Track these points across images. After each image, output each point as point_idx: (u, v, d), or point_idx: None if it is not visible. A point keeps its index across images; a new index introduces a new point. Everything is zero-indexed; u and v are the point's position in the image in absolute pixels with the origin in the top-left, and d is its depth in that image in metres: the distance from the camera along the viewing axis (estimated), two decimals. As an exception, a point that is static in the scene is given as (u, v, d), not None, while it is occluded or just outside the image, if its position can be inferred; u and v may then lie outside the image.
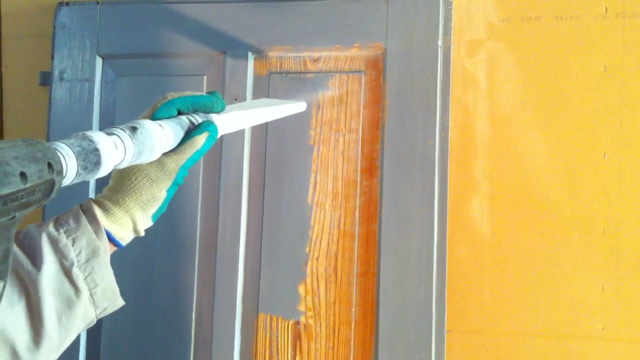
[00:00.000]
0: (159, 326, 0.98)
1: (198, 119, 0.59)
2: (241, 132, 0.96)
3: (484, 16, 0.94)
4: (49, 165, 0.41)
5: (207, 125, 0.59)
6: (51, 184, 0.41)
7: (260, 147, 0.97)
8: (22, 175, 0.38)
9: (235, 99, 0.97)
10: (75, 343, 0.99)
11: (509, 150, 0.93)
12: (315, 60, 0.96)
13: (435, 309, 0.88)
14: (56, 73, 1.03)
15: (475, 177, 0.94)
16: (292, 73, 0.97)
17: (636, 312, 0.89)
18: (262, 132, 0.97)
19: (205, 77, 0.99)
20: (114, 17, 1.02)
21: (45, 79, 1.07)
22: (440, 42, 0.91)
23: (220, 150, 0.97)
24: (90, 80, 1.02)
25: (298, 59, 0.97)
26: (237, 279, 0.95)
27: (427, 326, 0.88)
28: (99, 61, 1.02)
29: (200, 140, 0.58)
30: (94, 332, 1.00)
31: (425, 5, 0.91)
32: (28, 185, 0.38)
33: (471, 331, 0.93)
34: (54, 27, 1.04)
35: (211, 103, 0.61)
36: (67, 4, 1.04)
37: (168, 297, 0.98)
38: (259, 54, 0.98)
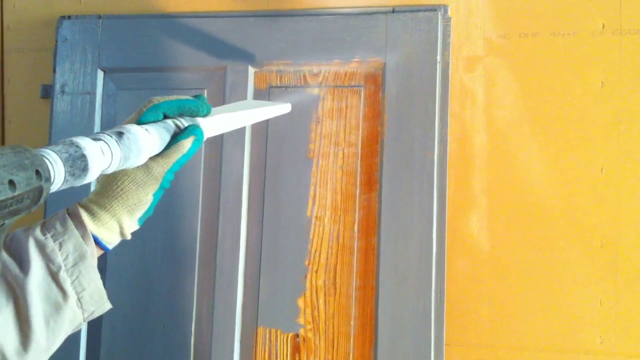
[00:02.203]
0: (158, 338, 0.98)
1: (184, 122, 0.59)
2: (241, 145, 0.97)
3: (482, 32, 0.95)
4: (37, 172, 0.41)
5: (193, 129, 0.59)
6: (39, 191, 0.41)
7: (260, 160, 0.98)
8: (11, 183, 0.38)
9: (236, 113, 0.97)
10: (75, 354, 0.99)
11: (507, 164, 0.94)
12: (315, 75, 0.97)
13: (433, 323, 0.89)
14: (58, 86, 1.04)
15: (474, 192, 0.95)
16: (292, 87, 0.98)
17: (634, 325, 0.89)
18: (261, 145, 0.98)
19: (205, 91, 1.00)
20: (116, 31, 1.03)
21: (47, 92, 1.08)
22: (438, 58, 0.92)
23: (221, 162, 0.98)
24: (92, 94, 1.03)
25: (298, 73, 0.98)
26: (236, 291, 0.96)
27: (425, 340, 0.88)
28: (100, 74, 1.03)
29: (187, 144, 0.58)
30: (93, 344, 1.00)
31: (424, 21, 0.92)
32: (17, 193, 0.39)
33: (470, 345, 0.93)
34: (56, 41, 1.05)
35: (197, 107, 0.60)
36: (69, 17, 1.05)
37: (167, 309, 0.99)
38: (260, 68, 0.99)
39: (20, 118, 1.12)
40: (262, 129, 0.98)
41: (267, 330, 0.95)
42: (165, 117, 0.59)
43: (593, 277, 0.91)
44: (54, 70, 1.04)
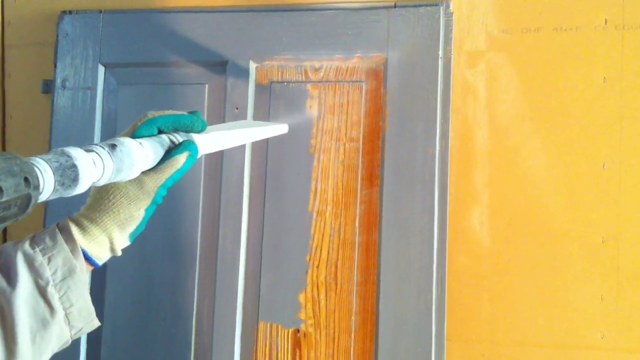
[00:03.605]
0: (159, 334, 0.98)
1: (179, 138, 0.59)
2: (242, 141, 0.97)
3: (484, 27, 0.95)
4: (26, 179, 0.41)
5: (188, 145, 0.59)
6: (27, 199, 0.41)
7: (261, 155, 0.97)
8: None
9: (237, 108, 0.97)
10: (76, 352, 0.99)
11: (509, 160, 0.94)
12: (317, 70, 0.97)
13: (435, 318, 0.89)
14: (59, 81, 1.04)
15: (475, 187, 0.95)
16: (293, 82, 0.98)
17: (635, 321, 0.89)
18: (263, 140, 0.97)
19: (206, 86, 1.00)
20: (117, 26, 1.02)
21: (48, 87, 1.08)
22: (440, 53, 0.92)
23: (222, 158, 0.97)
24: (93, 89, 1.03)
25: (299, 68, 0.98)
26: (237, 286, 0.96)
27: (426, 335, 0.88)
28: (101, 69, 1.03)
29: (181, 159, 0.58)
30: (95, 341, 1.00)
31: (426, 16, 0.92)
32: (4, 199, 0.39)
33: (471, 340, 0.93)
34: (57, 36, 1.04)
35: (192, 122, 0.60)
36: (70, 12, 1.05)
37: (168, 305, 0.99)
38: (261, 63, 0.98)
39: (21, 113, 1.12)
40: (263, 124, 0.97)
41: (268, 325, 0.96)
42: (160, 132, 0.59)
43: (594, 273, 0.91)
44: (55, 65, 1.04)
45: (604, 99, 0.91)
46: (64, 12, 1.05)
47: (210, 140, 0.64)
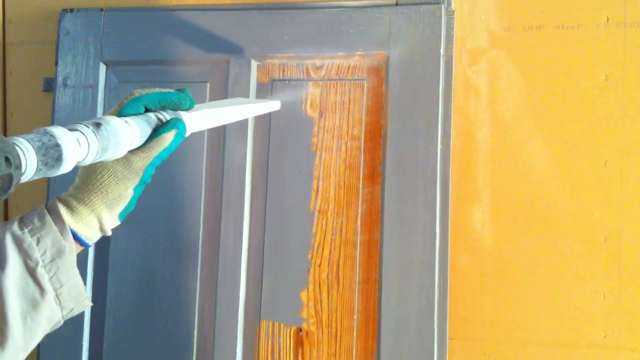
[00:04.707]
0: (161, 333, 0.98)
1: (166, 116, 0.58)
2: (244, 139, 0.97)
3: (486, 25, 0.95)
4: (7, 159, 0.40)
5: (175, 123, 0.58)
6: (9, 179, 0.41)
7: (263, 153, 0.97)
8: None
9: (238, 106, 0.97)
10: (77, 350, 0.99)
11: (511, 158, 0.93)
12: (318, 68, 0.97)
13: (437, 317, 0.88)
14: (60, 79, 1.03)
15: (477, 185, 0.94)
16: (295, 80, 0.97)
17: (638, 320, 0.89)
18: (264, 138, 0.97)
19: (208, 84, 1.00)
20: (118, 24, 1.02)
21: (49, 85, 1.08)
22: (442, 51, 0.91)
23: (223, 156, 0.97)
24: (94, 87, 1.03)
25: (301, 66, 0.97)
26: (239, 285, 0.96)
27: (429, 333, 0.88)
28: (102, 68, 1.03)
29: (168, 137, 0.57)
30: (96, 339, 1.00)
31: (428, 14, 0.92)
32: None
33: (473, 339, 0.93)
34: (58, 34, 1.04)
35: (179, 100, 0.59)
36: (71, 10, 1.05)
37: (170, 304, 0.98)
38: (262, 61, 0.98)
39: (23, 111, 1.12)
40: (264, 123, 0.97)
41: (270, 324, 0.95)
42: (147, 110, 0.58)
43: (597, 271, 0.90)
44: (56, 63, 1.04)
45: (606, 97, 0.91)
46: (65, 10, 1.05)
47: (199, 118, 0.63)
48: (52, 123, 1.03)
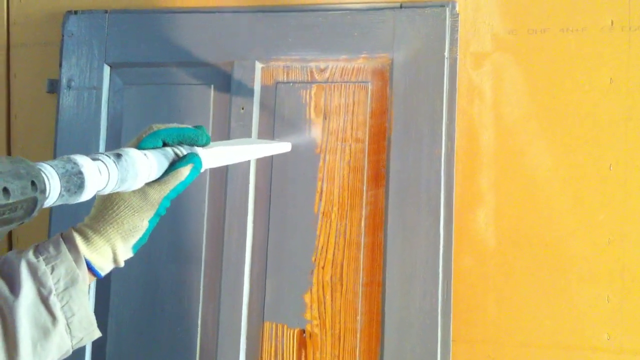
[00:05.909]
0: (165, 335, 0.99)
1: (183, 151, 0.60)
2: (248, 141, 0.97)
3: (490, 28, 0.95)
4: (32, 183, 0.41)
5: (192, 157, 0.59)
6: (34, 202, 0.41)
7: (267, 156, 0.97)
8: (5, 190, 0.38)
9: (242, 109, 0.97)
10: (81, 354, 0.99)
11: (515, 161, 0.93)
12: (322, 70, 0.97)
13: (440, 319, 0.89)
14: (64, 81, 1.04)
15: (481, 188, 0.95)
16: (299, 83, 0.98)
17: (641, 323, 0.89)
18: (268, 139, 0.97)
19: (212, 87, 1.00)
20: (122, 26, 1.02)
21: (53, 87, 1.08)
22: (446, 54, 0.92)
23: (227, 159, 0.98)
24: (98, 89, 1.03)
25: (305, 68, 0.98)
26: (242, 287, 0.96)
27: (432, 336, 0.88)
28: (106, 69, 1.03)
29: (185, 171, 0.59)
30: (100, 342, 1.00)
31: (432, 17, 0.92)
32: (10, 201, 0.39)
33: (476, 341, 0.93)
34: (62, 36, 1.04)
35: (196, 136, 0.61)
36: (76, 12, 1.05)
37: (174, 306, 0.99)
38: (266, 63, 0.98)
39: (27, 113, 1.12)
40: (269, 125, 0.98)
41: (274, 326, 0.96)
42: (165, 144, 0.59)
43: (600, 273, 0.90)
44: (61, 65, 1.04)
45: (610, 100, 0.91)
46: (69, 12, 1.05)
47: (214, 155, 0.65)
48: (56, 125, 1.03)
